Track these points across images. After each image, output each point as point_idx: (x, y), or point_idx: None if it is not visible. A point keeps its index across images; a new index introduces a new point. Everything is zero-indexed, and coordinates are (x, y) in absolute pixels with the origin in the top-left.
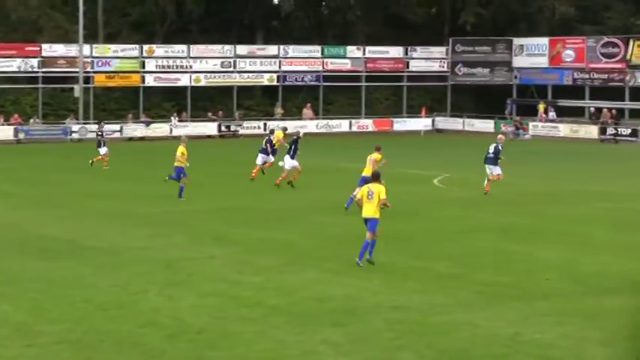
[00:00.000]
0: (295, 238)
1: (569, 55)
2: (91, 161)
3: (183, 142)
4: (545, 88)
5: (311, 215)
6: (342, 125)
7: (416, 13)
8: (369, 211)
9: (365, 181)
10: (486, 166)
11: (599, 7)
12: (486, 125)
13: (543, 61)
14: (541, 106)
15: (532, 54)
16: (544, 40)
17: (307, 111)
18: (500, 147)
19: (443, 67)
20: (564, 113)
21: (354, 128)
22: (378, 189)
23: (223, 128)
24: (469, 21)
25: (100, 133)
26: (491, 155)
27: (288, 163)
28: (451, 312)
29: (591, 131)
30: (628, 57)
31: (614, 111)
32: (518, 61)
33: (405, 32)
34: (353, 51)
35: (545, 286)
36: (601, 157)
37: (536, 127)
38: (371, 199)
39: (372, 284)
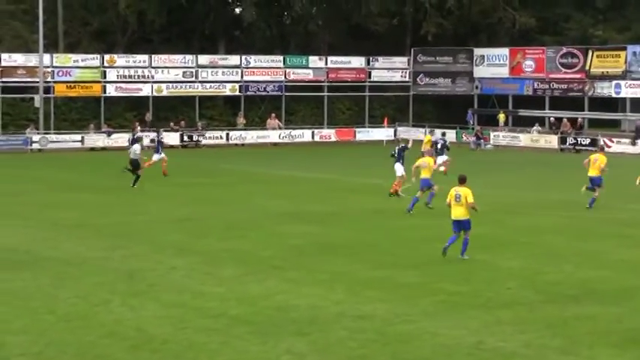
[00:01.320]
0: (256, 248)
1: (529, 65)
2: (163, 172)
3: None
4: (505, 98)
5: (271, 225)
6: (304, 135)
7: (378, 23)
8: (459, 212)
9: (593, 181)
10: None
11: (559, 18)
12: (448, 135)
13: (504, 72)
14: (501, 116)
15: (493, 64)
16: (504, 51)
17: (272, 121)
18: None
19: (405, 77)
20: (525, 123)
21: (317, 138)
22: (465, 192)
23: (185, 138)
24: (431, 31)
25: (160, 140)
26: None
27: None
28: (414, 321)
29: (551, 141)
30: (587, 67)
31: (580, 119)
32: (479, 71)
33: (367, 42)
34: (315, 61)
35: (507, 295)
36: (561, 166)
37: (497, 137)
38: (459, 202)
39: (335, 294)
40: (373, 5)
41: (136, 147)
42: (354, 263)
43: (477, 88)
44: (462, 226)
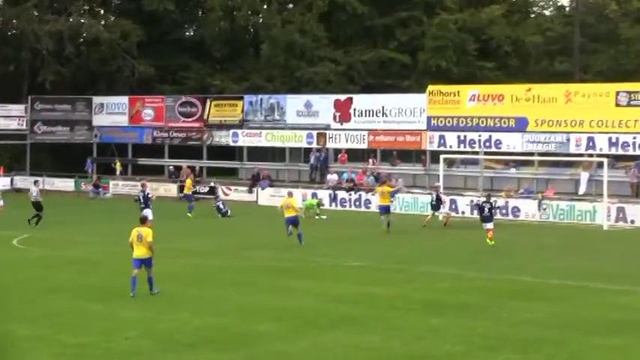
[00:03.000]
0: None
1: (148, 114)
2: None
3: None
4: (125, 146)
5: None
6: None
7: None
8: (141, 252)
9: None
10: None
11: (178, 67)
12: (67, 184)
13: (123, 120)
14: (117, 165)
15: (112, 112)
16: (124, 99)
17: None
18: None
19: (22, 125)
20: (145, 172)
21: None
22: (147, 232)
23: None
24: (49, 79)
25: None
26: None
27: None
28: None
29: (171, 189)
30: (205, 116)
31: (198, 168)
32: (99, 120)
33: None
34: None
35: (125, 345)
36: (179, 215)
37: (116, 186)
38: (141, 241)
39: None
40: None
41: None
42: None
43: (96, 136)
44: (143, 263)
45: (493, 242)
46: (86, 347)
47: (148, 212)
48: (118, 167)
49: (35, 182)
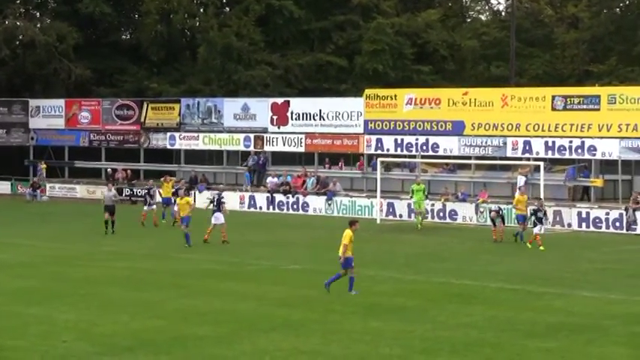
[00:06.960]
0: None
1: (85, 116)
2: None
3: None
4: (62, 149)
5: None
6: None
7: None
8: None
9: None
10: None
11: (115, 70)
12: (3, 187)
13: (60, 123)
14: (43, 166)
15: (49, 115)
16: (60, 102)
17: None
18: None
19: None
20: (81, 174)
21: None
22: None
23: None
24: None
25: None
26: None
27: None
28: None
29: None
30: (142, 119)
31: (128, 171)
32: (35, 123)
33: None
34: None
35: (62, 349)
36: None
37: (53, 189)
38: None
39: None
40: None
41: None
42: None
43: (32, 139)
44: (346, 262)
45: (543, 248)
46: (23, 351)
47: (219, 215)
48: (43, 168)
49: None
